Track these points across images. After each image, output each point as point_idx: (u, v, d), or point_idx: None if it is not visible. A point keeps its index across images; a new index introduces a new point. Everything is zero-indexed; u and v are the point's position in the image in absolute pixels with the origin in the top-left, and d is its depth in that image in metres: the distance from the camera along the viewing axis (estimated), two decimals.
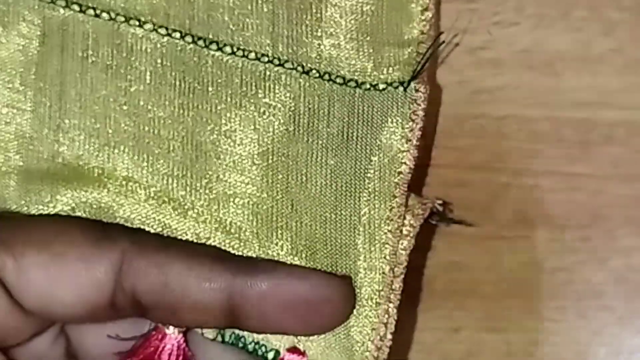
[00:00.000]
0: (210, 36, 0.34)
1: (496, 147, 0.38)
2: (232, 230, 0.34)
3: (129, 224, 0.33)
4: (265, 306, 0.32)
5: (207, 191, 0.34)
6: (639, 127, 0.38)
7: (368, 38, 0.34)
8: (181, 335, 0.34)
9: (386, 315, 0.34)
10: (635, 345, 0.39)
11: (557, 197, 0.38)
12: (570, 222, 0.38)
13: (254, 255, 0.34)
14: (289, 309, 0.32)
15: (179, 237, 0.33)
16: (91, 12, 0.33)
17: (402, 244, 0.34)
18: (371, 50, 0.34)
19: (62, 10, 0.33)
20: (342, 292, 0.33)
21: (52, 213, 0.33)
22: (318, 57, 0.34)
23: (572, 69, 0.38)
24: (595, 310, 0.39)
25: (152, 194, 0.34)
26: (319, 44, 0.34)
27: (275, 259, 0.33)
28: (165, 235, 0.33)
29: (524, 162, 0.38)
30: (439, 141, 0.38)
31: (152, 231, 0.33)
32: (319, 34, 0.34)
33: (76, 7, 0.33)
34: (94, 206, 0.33)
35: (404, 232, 0.34)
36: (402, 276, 0.34)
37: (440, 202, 0.35)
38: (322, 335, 0.34)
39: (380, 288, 0.34)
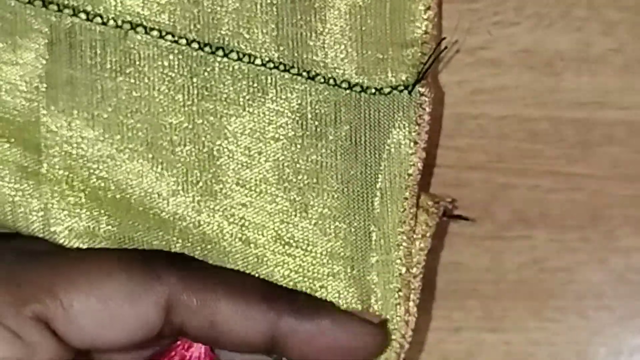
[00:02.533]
0: (217, 42, 0.34)
1: (496, 147, 0.38)
2: (249, 238, 0.34)
3: (147, 237, 0.34)
4: (306, 349, 0.32)
5: (221, 197, 0.34)
6: (639, 127, 0.38)
7: (372, 39, 0.34)
8: None
9: (407, 314, 0.34)
10: (635, 345, 0.39)
11: (557, 197, 0.38)
12: (570, 222, 0.38)
13: (272, 266, 0.34)
14: (328, 353, 0.33)
15: (198, 250, 0.34)
16: (98, 19, 0.33)
17: (419, 244, 0.34)
18: (375, 52, 0.34)
19: (69, 19, 0.33)
20: (379, 341, 0.34)
21: (78, 232, 0.34)
22: (323, 61, 0.34)
23: (572, 69, 0.38)
24: (595, 310, 0.39)
25: (166, 202, 0.34)
26: (324, 47, 0.34)
27: (292, 265, 0.34)
28: (210, 267, 0.34)
29: (523, 162, 0.38)
30: (439, 141, 0.38)
31: (172, 249, 0.34)
32: (324, 36, 0.34)
33: (83, 16, 0.33)
34: (111, 221, 0.33)
35: (421, 231, 0.34)
36: (421, 275, 0.34)
37: (449, 199, 0.36)
38: None
39: (399, 288, 0.34)
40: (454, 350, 0.39)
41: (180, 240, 0.34)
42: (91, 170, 0.33)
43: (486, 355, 0.39)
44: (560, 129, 0.38)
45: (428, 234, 0.34)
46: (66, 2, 0.33)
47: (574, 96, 0.38)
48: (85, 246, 0.34)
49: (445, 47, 0.35)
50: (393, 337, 0.34)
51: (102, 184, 0.33)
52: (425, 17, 0.34)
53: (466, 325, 0.39)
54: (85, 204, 0.33)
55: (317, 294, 0.34)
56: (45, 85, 0.33)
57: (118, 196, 0.33)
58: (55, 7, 0.33)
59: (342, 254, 0.34)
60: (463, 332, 0.39)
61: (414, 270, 0.34)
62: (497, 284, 0.39)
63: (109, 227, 0.34)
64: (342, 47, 0.34)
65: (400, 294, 0.34)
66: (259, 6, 0.34)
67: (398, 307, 0.34)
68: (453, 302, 0.39)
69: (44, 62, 0.33)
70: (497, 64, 0.38)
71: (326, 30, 0.34)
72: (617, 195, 0.38)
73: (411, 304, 0.34)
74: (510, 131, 0.38)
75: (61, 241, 0.34)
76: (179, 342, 0.34)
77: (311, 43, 0.34)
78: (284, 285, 0.34)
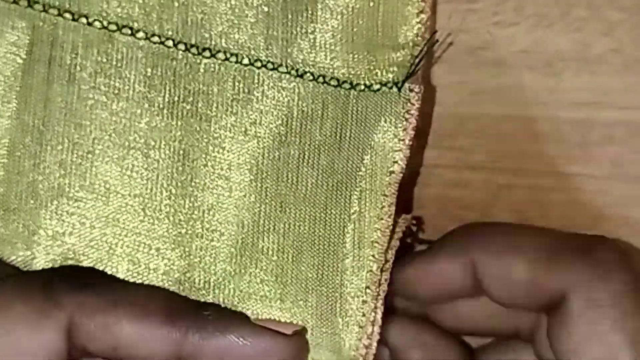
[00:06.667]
0: (204, 43, 0.34)
1: (496, 147, 0.38)
2: (216, 237, 0.34)
3: (109, 238, 0.34)
4: None
5: (192, 199, 0.34)
6: (639, 127, 0.38)
7: (363, 40, 0.34)
8: None
9: (373, 313, 0.34)
10: None
11: (557, 197, 0.38)
12: (570, 222, 0.38)
13: (238, 261, 0.34)
14: None
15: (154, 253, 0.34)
16: (84, 20, 0.33)
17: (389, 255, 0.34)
18: (365, 53, 0.34)
19: (53, 19, 0.33)
20: (293, 354, 0.33)
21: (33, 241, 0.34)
22: (312, 60, 0.34)
23: (572, 69, 0.38)
24: None
25: (134, 204, 0.34)
26: (314, 47, 0.34)
27: (261, 260, 0.34)
28: (113, 287, 0.33)
29: (524, 162, 0.38)
30: (439, 141, 0.38)
31: (133, 242, 0.34)
32: (313, 36, 0.34)
33: (68, 16, 0.33)
34: (76, 225, 0.34)
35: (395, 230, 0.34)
36: (389, 271, 0.34)
37: (414, 221, 0.36)
38: (310, 334, 0.34)
39: (367, 285, 0.34)
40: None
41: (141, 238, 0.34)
42: (59, 173, 0.33)
43: None
44: (560, 129, 0.38)
45: (396, 237, 0.34)
46: (52, 3, 0.33)
47: (574, 96, 0.38)
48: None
49: (437, 41, 0.35)
50: (358, 337, 0.34)
51: (66, 186, 0.33)
52: (417, 20, 0.34)
53: None
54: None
55: (286, 290, 0.34)
56: (19, 83, 0.33)
57: (81, 201, 0.33)
58: (41, 7, 0.33)
59: (312, 249, 0.34)
60: None
61: (385, 266, 0.34)
62: None
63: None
64: (332, 47, 0.34)
65: (369, 291, 0.34)
66: (250, 6, 0.34)
67: (365, 304, 0.34)
68: None
69: (21, 61, 0.33)
70: (497, 64, 0.38)
71: (316, 29, 0.34)
72: (617, 195, 0.38)
73: (379, 302, 0.34)
74: (510, 131, 0.38)
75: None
76: None
77: (301, 42, 0.34)
78: (245, 288, 0.34)
